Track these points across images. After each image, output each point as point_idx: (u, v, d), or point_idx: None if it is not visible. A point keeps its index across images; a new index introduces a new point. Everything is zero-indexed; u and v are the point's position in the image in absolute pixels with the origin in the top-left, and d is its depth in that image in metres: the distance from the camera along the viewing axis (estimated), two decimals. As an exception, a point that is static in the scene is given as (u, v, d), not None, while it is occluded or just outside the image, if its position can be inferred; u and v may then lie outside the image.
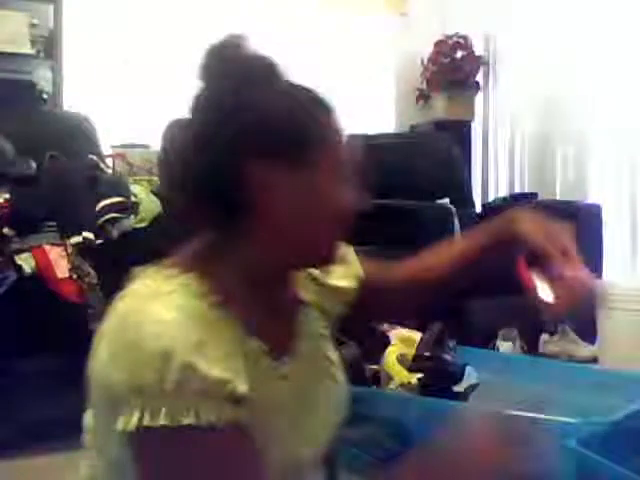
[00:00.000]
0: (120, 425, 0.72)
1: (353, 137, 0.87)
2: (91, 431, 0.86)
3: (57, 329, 2.09)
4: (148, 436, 0.70)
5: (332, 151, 0.84)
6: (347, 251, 1.04)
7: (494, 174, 4.37)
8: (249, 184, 0.80)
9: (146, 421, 0.70)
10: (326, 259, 0.89)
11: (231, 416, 0.72)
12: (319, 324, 0.98)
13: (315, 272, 1.00)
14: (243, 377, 0.75)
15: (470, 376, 1.61)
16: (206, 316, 0.76)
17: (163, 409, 0.70)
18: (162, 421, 0.69)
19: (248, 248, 0.84)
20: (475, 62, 4.19)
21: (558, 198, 3.90)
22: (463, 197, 3.79)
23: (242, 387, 0.74)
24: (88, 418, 0.87)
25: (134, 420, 0.70)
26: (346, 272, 1.04)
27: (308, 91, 0.87)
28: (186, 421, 0.69)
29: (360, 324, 1.56)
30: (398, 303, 1.14)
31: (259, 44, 0.89)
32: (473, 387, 1.61)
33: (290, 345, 0.90)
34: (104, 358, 0.75)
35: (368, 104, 4.19)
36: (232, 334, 0.79)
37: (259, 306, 0.85)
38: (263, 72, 0.85)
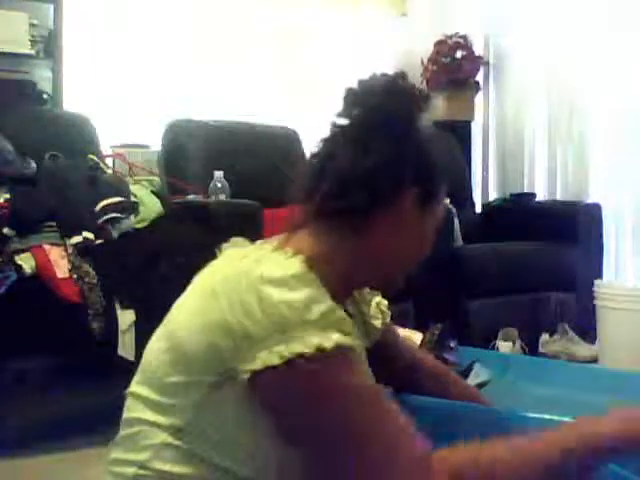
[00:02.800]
0: (257, 364, 0.75)
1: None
2: (139, 414, 0.87)
3: (57, 329, 2.09)
4: (294, 367, 0.74)
5: (441, 203, 0.98)
6: (382, 301, 1.16)
7: (494, 174, 4.36)
8: (395, 203, 0.91)
9: (297, 349, 0.74)
10: (393, 288, 1.02)
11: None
12: (358, 335, 1.04)
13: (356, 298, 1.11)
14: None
15: (478, 374, 1.60)
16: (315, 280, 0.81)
17: (312, 338, 0.75)
18: (310, 348, 0.74)
19: (352, 256, 0.92)
20: (475, 62, 4.18)
21: (558, 198, 3.90)
22: (463, 197, 3.79)
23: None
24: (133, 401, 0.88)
25: (282, 351, 0.74)
26: (377, 314, 1.15)
27: None
28: (328, 344, 0.75)
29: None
30: (391, 371, 1.19)
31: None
32: (481, 385, 1.59)
33: None
34: (222, 309, 0.78)
35: (368, 104, 4.19)
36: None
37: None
38: (419, 110, 0.95)
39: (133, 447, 0.86)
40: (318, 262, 0.84)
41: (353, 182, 0.89)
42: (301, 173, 0.96)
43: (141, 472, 0.84)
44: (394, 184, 0.91)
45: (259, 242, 0.96)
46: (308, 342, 0.75)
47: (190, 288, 0.88)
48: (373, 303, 1.15)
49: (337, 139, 0.93)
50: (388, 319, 1.18)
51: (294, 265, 0.80)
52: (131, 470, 0.85)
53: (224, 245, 0.96)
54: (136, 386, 0.89)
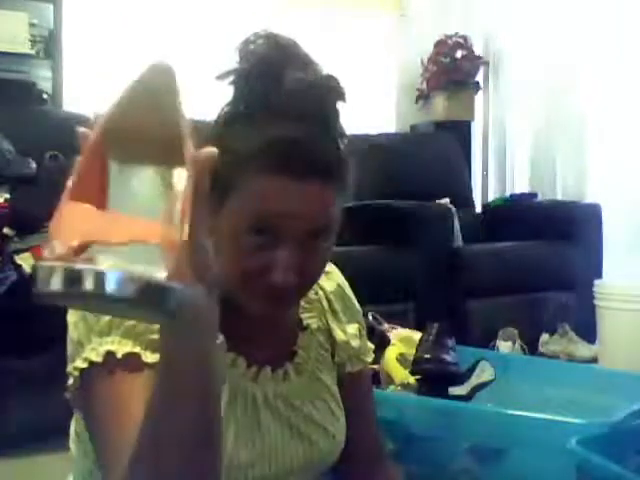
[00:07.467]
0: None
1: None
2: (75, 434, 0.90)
3: (57, 329, 2.09)
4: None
5: (252, 196, 0.78)
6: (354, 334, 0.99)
7: (494, 174, 4.37)
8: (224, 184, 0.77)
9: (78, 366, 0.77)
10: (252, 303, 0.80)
11: (129, 350, 0.75)
12: (321, 352, 0.94)
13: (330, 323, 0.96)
14: None
15: (482, 372, 1.59)
16: None
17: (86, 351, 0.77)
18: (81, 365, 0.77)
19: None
20: (475, 62, 4.19)
21: (558, 198, 3.90)
22: (463, 197, 3.79)
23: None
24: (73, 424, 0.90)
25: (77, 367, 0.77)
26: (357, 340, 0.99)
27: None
28: (95, 359, 0.75)
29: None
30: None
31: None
32: (483, 385, 1.58)
33: (280, 364, 0.89)
34: None
35: (368, 104, 4.19)
36: None
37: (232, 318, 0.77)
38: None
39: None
40: None
41: None
42: None
43: None
44: None
45: None
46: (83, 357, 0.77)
47: None
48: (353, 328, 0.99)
49: None
50: (368, 357, 1.01)
51: None
52: None
53: None
54: None
